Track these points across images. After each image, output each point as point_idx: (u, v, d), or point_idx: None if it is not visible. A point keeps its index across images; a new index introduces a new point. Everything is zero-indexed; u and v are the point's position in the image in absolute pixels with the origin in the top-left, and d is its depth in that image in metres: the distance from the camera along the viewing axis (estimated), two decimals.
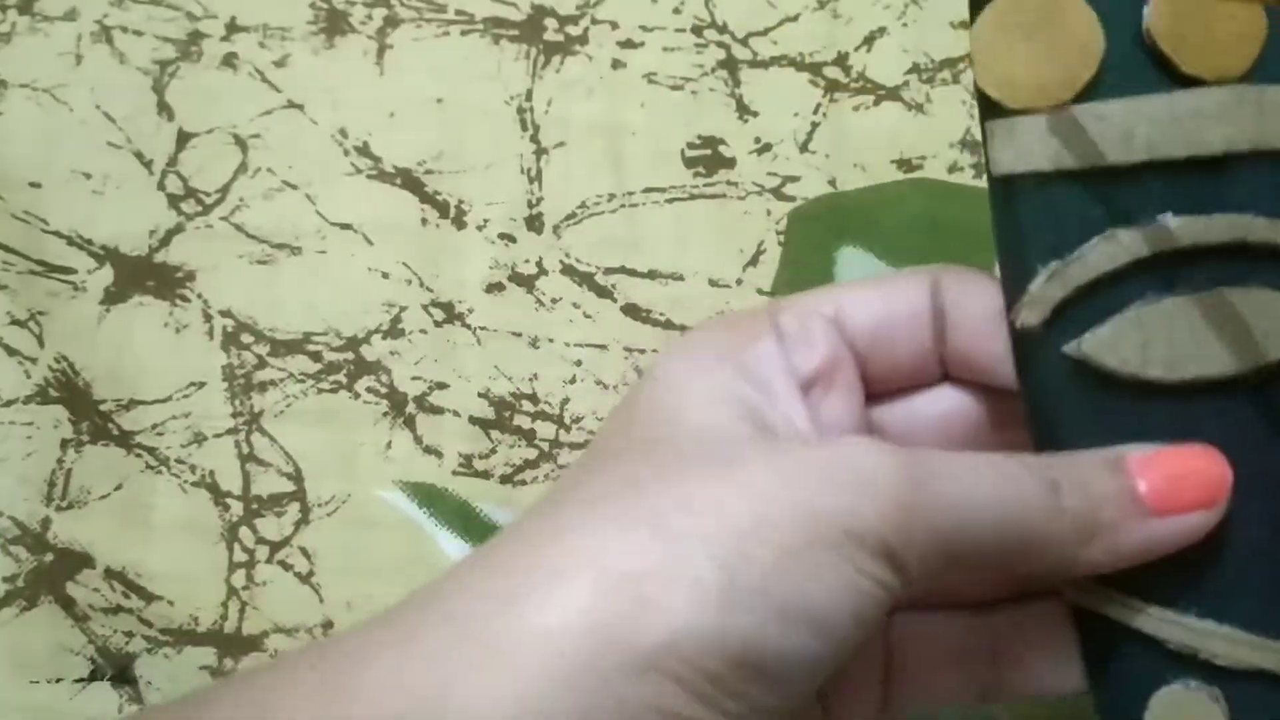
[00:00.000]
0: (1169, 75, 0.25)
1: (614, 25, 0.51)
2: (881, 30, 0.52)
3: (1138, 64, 0.25)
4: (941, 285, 0.28)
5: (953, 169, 0.50)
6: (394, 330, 0.44)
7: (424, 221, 0.46)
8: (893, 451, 0.24)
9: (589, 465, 0.26)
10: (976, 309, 0.27)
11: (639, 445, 0.25)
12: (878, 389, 0.29)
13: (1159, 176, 0.25)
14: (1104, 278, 0.25)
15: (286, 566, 0.42)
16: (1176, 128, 0.24)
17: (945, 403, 0.29)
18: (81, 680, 0.40)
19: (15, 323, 0.43)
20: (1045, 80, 0.25)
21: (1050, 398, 0.26)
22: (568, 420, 0.43)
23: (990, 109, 0.26)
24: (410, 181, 0.47)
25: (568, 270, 0.46)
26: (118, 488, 0.42)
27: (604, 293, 0.45)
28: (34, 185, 0.45)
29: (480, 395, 0.44)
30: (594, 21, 0.51)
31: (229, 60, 0.48)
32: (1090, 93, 0.25)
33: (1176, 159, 0.24)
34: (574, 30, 0.50)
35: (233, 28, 0.49)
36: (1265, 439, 0.25)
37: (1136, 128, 0.24)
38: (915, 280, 0.28)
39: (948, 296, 0.28)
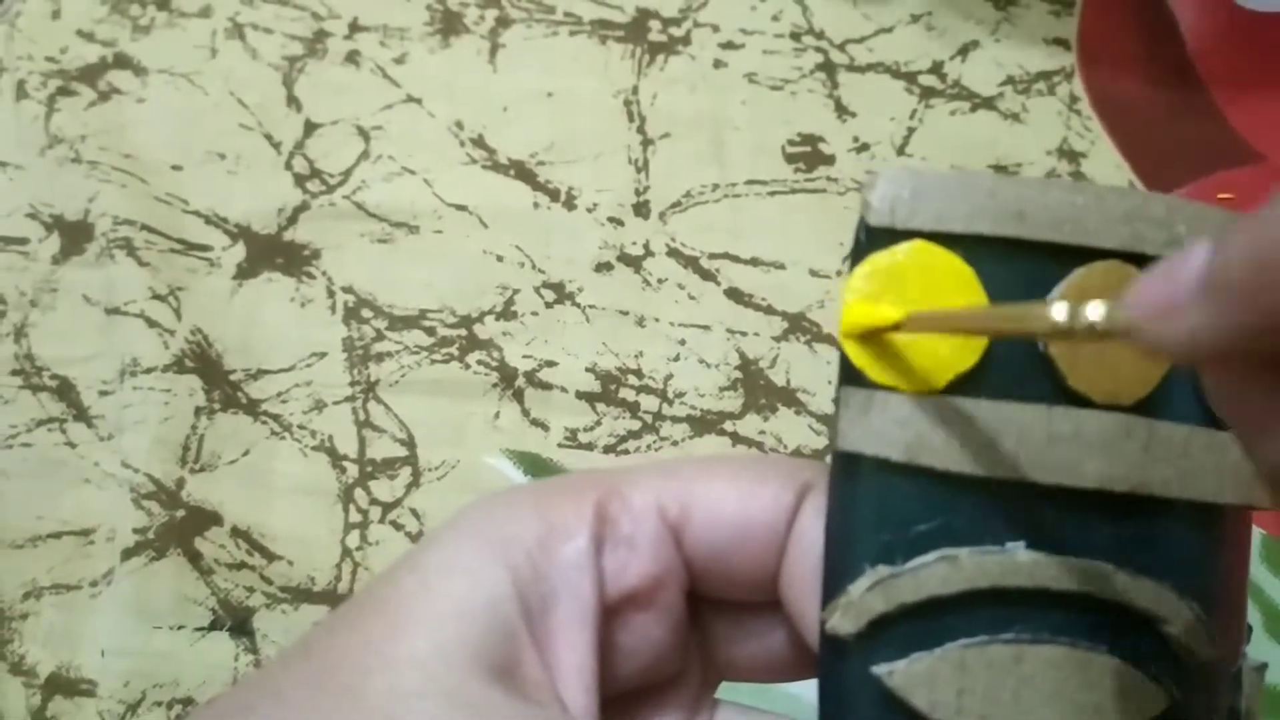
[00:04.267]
0: (1057, 387, 0.22)
1: (715, 28, 0.55)
2: (975, 43, 0.56)
3: (1025, 366, 0.23)
4: (804, 504, 0.25)
5: (1050, 175, 0.54)
6: (507, 312, 0.49)
7: (536, 205, 0.51)
8: None
9: (283, 682, 0.24)
10: (817, 553, 0.24)
11: (333, 685, 0.23)
12: (713, 597, 0.26)
13: (1020, 499, 0.22)
14: (933, 601, 0.22)
15: (398, 526, 0.46)
16: (1049, 449, 0.22)
17: (776, 632, 0.27)
18: (202, 629, 0.45)
19: (156, 297, 0.49)
20: (917, 360, 0.22)
21: (848, 716, 0.23)
22: (671, 395, 0.47)
23: (849, 373, 0.23)
24: (523, 172, 0.51)
25: (673, 253, 0.50)
26: (245, 453, 0.47)
27: (708, 276, 0.50)
28: (175, 168, 0.51)
29: (587, 370, 0.48)
30: (696, 24, 0.55)
31: (352, 57, 0.54)
32: (965, 386, 0.22)
33: (1042, 484, 0.22)
34: (677, 31, 0.55)
35: (355, 27, 0.54)
36: None
37: (1004, 437, 0.22)
38: (780, 487, 0.25)
39: (801, 521, 0.25)
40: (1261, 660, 0.25)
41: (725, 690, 0.28)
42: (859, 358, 0.23)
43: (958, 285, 0.23)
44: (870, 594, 0.23)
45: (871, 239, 0.23)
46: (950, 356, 0.22)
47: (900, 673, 0.22)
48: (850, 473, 0.23)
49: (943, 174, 0.23)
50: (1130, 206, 0.23)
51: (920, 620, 0.22)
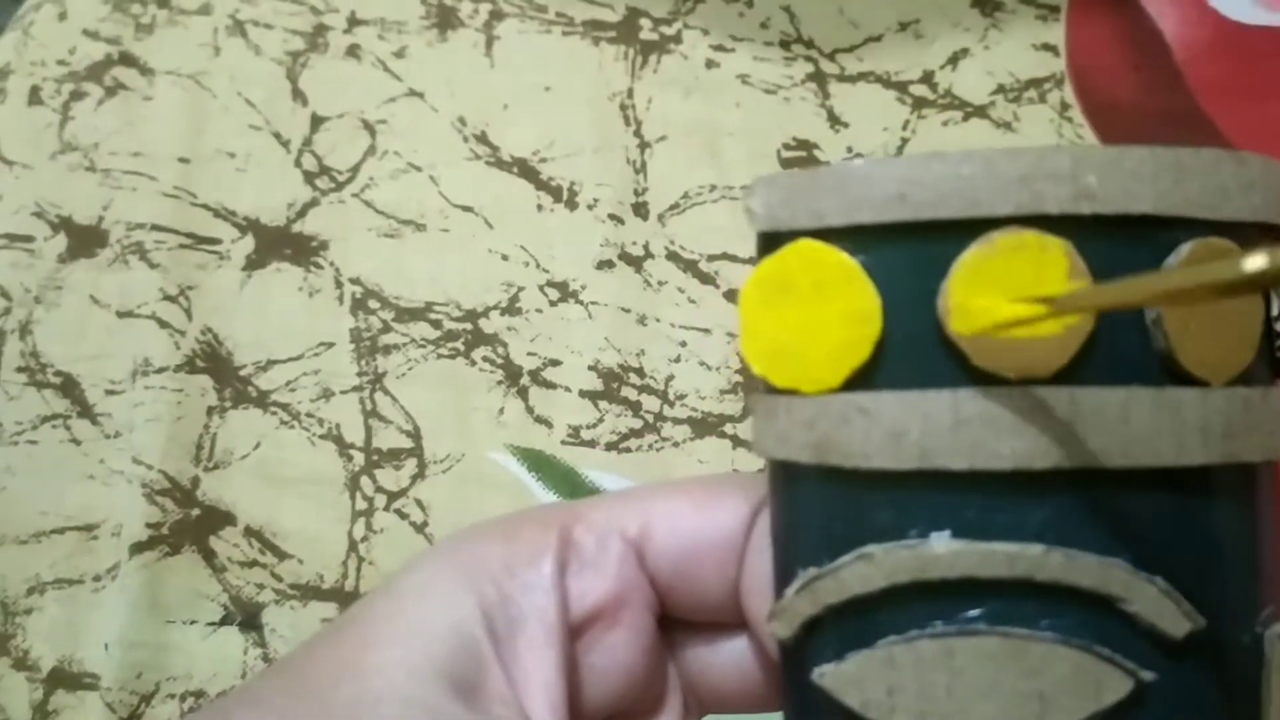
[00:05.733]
0: (962, 370, 0.21)
1: (705, 32, 0.57)
2: (964, 51, 0.59)
3: (926, 353, 0.22)
4: (759, 515, 0.26)
5: None
6: (511, 308, 0.51)
7: (539, 207, 0.53)
8: None
9: (260, 690, 0.26)
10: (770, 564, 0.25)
11: (303, 692, 0.24)
12: (684, 618, 0.27)
13: (932, 489, 0.22)
14: (858, 600, 0.22)
15: (403, 515, 0.48)
16: (958, 434, 0.21)
17: (752, 657, 0.27)
18: (213, 624, 0.47)
19: (167, 298, 0.50)
20: (812, 360, 0.22)
21: (803, 717, 0.24)
22: (672, 396, 0.50)
23: (755, 381, 0.23)
24: (526, 170, 0.53)
25: (673, 256, 0.52)
26: (256, 446, 0.49)
27: (707, 279, 0.52)
28: (183, 160, 0.52)
29: (590, 368, 0.50)
30: (686, 26, 0.58)
31: (353, 51, 0.55)
32: (863, 380, 0.22)
33: (955, 470, 0.21)
34: (668, 30, 0.57)
35: (353, 21, 0.56)
36: None
37: (909, 429, 0.21)
38: (738, 501, 0.26)
39: (756, 533, 0.26)
40: None
41: None
42: (759, 364, 0.23)
43: (841, 279, 0.22)
44: (798, 597, 0.23)
45: (762, 245, 0.23)
46: (843, 352, 0.22)
47: (831, 674, 0.22)
48: (774, 479, 0.24)
49: (820, 169, 0.23)
50: (1026, 167, 0.21)
51: (852, 620, 0.22)
